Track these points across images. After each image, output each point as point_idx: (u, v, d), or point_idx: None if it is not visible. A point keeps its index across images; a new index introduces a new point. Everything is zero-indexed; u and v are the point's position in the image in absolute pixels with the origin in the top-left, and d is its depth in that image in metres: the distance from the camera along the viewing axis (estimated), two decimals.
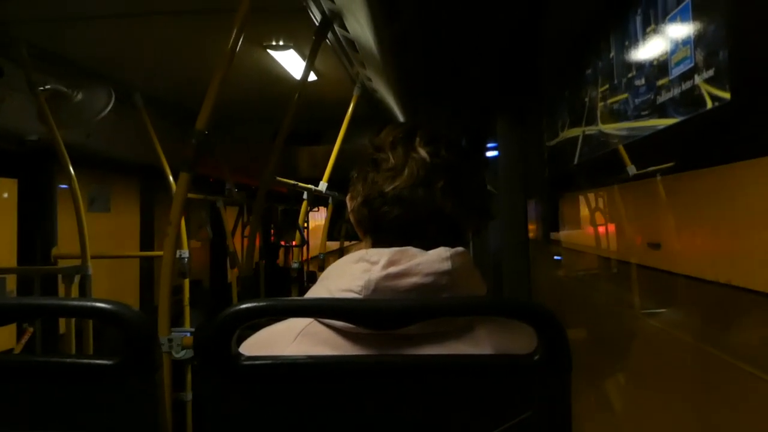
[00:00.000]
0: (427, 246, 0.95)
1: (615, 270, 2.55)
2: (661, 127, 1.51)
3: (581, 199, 3.00)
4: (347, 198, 1.06)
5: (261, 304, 0.85)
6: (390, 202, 0.97)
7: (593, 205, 2.81)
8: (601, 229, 2.69)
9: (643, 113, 1.62)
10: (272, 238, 8.84)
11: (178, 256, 3.61)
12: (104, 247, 4.55)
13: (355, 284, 0.90)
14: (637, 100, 1.67)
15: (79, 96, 3.26)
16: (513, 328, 0.92)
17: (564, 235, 3.46)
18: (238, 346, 0.86)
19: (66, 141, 2.97)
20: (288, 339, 0.91)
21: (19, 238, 4.03)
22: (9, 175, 4.01)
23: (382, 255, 0.92)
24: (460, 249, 0.94)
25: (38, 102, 2.85)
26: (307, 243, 6.72)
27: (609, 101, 1.92)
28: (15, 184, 4.05)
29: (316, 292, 0.96)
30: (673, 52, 1.43)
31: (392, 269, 0.90)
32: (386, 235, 0.98)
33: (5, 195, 4.04)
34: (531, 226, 3.68)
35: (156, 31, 2.86)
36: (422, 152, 1.00)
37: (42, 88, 2.92)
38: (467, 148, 1.10)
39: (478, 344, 0.90)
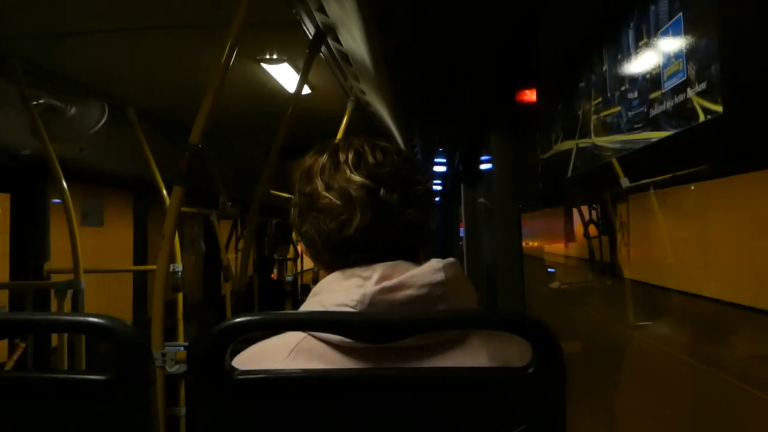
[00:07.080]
0: (404, 258, 0.95)
1: None
2: (655, 139, 1.52)
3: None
4: (301, 244, 1.02)
5: (255, 318, 0.84)
6: (354, 242, 0.95)
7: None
8: None
9: (636, 126, 1.63)
10: (266, 251, 8.81)
11: (171, 270, 3.60)
12: (97, 261, 4.52)
13: (350, 299, 0.89)
14: (630, 113, 1.68)
15: (73, 110, 3.25)
16: (506, 337, 0.92)
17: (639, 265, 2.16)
18: (232, 361, 0.85)
19: (59, 155, 2.96)
20: (282, 354, 0.90)
21: (11, 253, 4.01)
22: (1, 189, 3.99)
23: (374, 270, 0.92)
24: (451, 260, 0.94)
25: (31, 117, 2.84)
26: (301, 256, 6.69)
27: (602, 114, 1.93)
28: (8, 198, 4.03)
29: (308, 307, 0.95)
30: (665, 65, 1.43)
31: (387, 283, 0.89)
32: (355, 263, 0.95)
33: None
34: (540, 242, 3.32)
35: (149, 46, 2.86)
36: (357, 178, 0.96)
37: (35, 102, 2.92)
38: (386, 143, 1.03)
39: (473, 354, 0.89)
